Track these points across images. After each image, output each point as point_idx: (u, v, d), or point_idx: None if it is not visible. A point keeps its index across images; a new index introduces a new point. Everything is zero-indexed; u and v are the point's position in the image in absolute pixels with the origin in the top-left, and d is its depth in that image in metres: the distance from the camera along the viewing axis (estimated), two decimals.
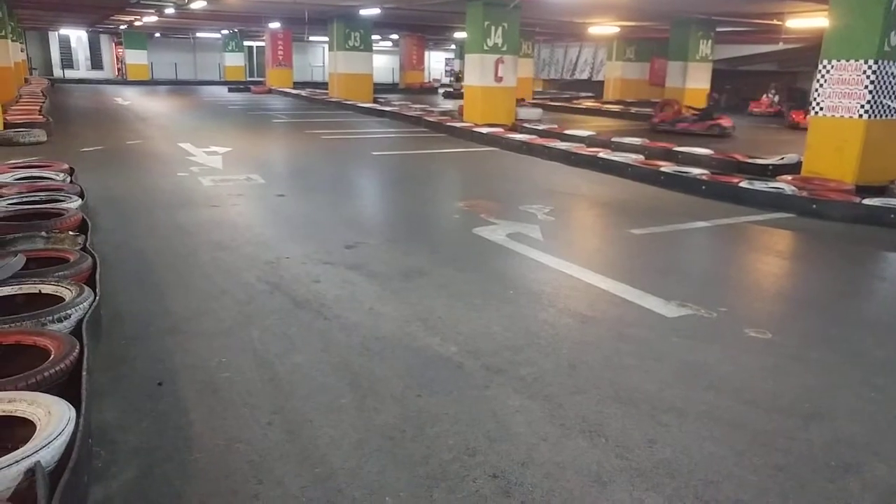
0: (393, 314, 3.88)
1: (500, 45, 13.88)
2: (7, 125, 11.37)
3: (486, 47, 13.78)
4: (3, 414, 2.38)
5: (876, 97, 7.29)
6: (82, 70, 37.18)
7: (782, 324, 3.92)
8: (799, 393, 3.03)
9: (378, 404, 2.86)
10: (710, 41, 17.37)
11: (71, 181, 6.75)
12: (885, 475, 2.43)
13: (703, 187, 7.61)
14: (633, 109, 19.44)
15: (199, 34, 32.97)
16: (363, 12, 17.88)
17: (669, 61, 17.98)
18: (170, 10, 18.21)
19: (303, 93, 23.86)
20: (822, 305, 4.37)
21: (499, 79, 14.08)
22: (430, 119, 14.83)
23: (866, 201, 6.59)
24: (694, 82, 17.33)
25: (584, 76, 31.23)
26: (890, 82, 7.33)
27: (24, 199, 5.79)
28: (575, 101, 23.52)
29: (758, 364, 3.33)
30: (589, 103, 22.51)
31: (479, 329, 3.69)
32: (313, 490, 2.28)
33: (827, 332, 3.85)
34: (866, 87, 7.29)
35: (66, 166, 7.37)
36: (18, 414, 2.39)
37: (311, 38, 32.16)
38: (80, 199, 5.87)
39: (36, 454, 2.10)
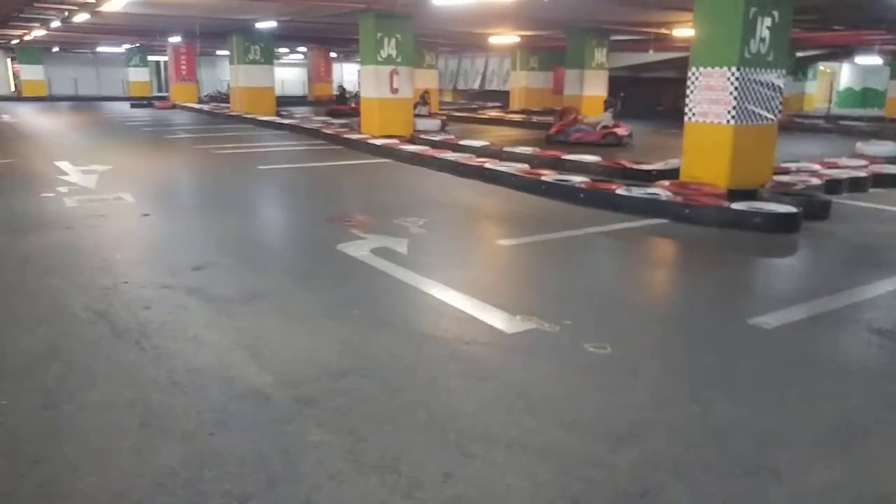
0: (217, 342, 3.62)
1: (394, 56, 13.74)
2: None
3: (379, 59, 13.61)
4: None
5: (741, 103, 7.49)
6: None
7: (626, 336, 3.83)
8: (621, 412, 2.93)
9: (162, 445, 2.60)
10: (605, 49, 17.76)
11: None
12: (681, 498, 2.33)
13: (582, 195, 7.63)
14: (535, 119, 19.69)
15: (99, 49, 31.50)
16: (260, 25, 17.44)
17: (567, 69, 18.28)
18: (56, 24, 17.27)
19: (206, 107, 23.13)
20: (671, 315, 4.35)
21: (394, 90, 13.93)
22: (328, 131, 14.55)
23: (734, 205, 6.72)
24: (591, 89, 17.65)
25: (493, 86, 31.56)
26: (753, 88, 7.55)
27: None
28: (480, 112, 23.67)
29: (588, 381, 3.23)
30: (493, 113, 22.69)
31: (306, 355, 3.47)
32: None
33: (670, 343, 3.81)
34: (731, 93, 7.48)
35: None
36: None
37: (219, 52, 31.27)
38: None
39: None
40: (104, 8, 12.42)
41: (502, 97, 29.32)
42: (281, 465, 2.48)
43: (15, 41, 27.05)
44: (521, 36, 20.68)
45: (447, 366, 3.35)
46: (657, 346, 3.73)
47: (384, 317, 4.03)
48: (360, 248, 5.51)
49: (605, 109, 14.74)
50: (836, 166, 9.54)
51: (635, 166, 9.71)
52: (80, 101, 30.76)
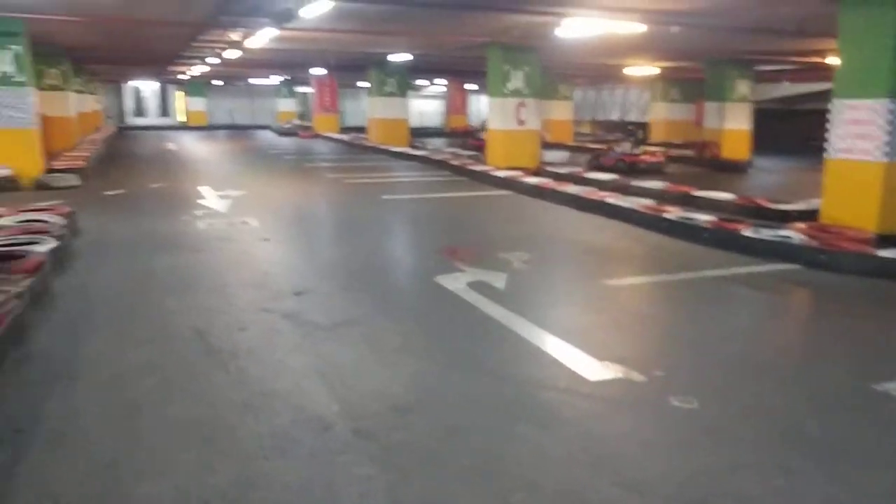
0: (297, 367, 3.69)
1: (521, 88, 13.75)
2: (49, 170, 11.84)
3: (506, 91, 13.67)
4: None
5: (895, 138, 6.74)
6: (152, 117, 39.17)
7: (721, 393, 3.49)
8: (692, 475, 2.65)
9: (219, 464, 2.66)
10: (748, 81, 16.78)
11: (66, 225, 6.90)
12: None
13: (706, 235, 7.17)
14: (674, 153, 18.91)
15: (253, 81, 34.18)
16: (392, 58, 18.11)
17: (706, 102, 17.45)
18: (213, 60, 18.91)
19: (345, 138, 24.25)
20: (781, 373, 3.90)
21: (521, 122, 13.91)
22: (454, 163, 14.74)
23: (881, 253, 6.01)
24: (733, 123, 16.70)
25: (632, 117, 30.76)
26: None
27: (8, 242, 5.93)
28: (614, 144, 23.05)
29: (664, 438, 2.97)
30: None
31: (376, 387, 3.45)
32: None
33: (771, 404, 3.42)
34: (881, 126, 6.76)
35: (67, 210, 7.57)
36: None
37: (360, 84, 32.85)
38: (56, 243, 5.99)
39: None
40: (247, 44, 13.40)
41: (643, 129, 28.52)
42: (322, 495, 2.45)
43: (183, 76, 29.89)
44: (660, 67, 20.05)
45: (515, 410, 3.20)
46: (755, 406, 3.35)
47: (461, 354, 3.95)
48: (457, 281, 5.47)
49: (627, 140, 16.40)
50: None
51: (772, 206, 9.01)
52: (235, 130, 33.37)
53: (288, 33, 11.97)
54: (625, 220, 8.46)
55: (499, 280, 5.52)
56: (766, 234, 6.82)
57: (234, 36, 13.43)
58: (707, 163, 16.42)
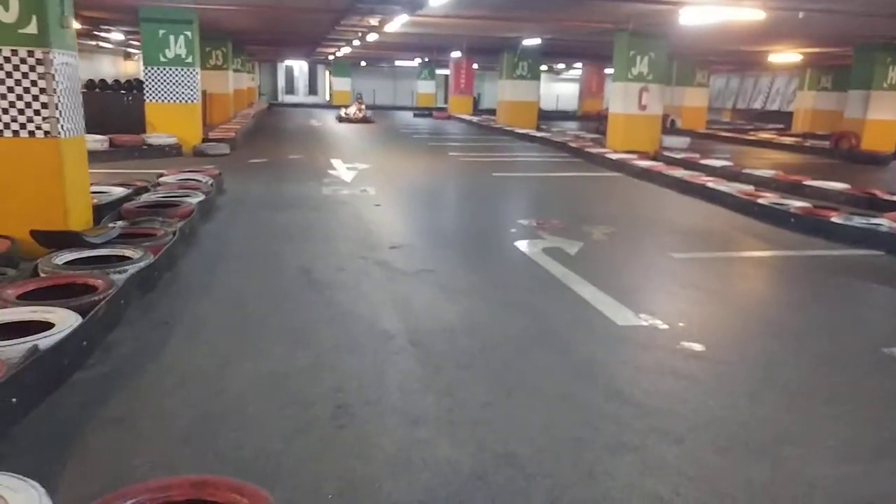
0: (377, 299, 4.52)
1: (645, 73, 13.90)
2: (204, 140, 13.57)
3: (630, 76, 13.88)
4: (35, 319, 3.44)
5: None
6: (301, 95, 42.14)
7: (727, 342, 3.95)
8: (668, 393, 3.20)
9: (302, 355, 3.53)
10: None
11: (211, 183, 8.18)
12: None
13: (793, 220, 7.30)
14: (809, 143, 18.15)
15: (397, 63, 35.80)
16: (526, 42, 18.65)
17: (851, 90, 16.57)
18: (356, 43, 20.34)
19: (475, 119, 25.10)
20: (796, 333, 4.21)
21: (642, 107, 14.07)
22: (573, 144, 15.16)
23: None
24: (878, 113, 15.77)
25: (775, 107, 29.33)
26: None
27: (167, 195, 7.23)
28: (750, 133, 22.31)
29: (656, 367, 3.50)
30: (764, 135, 21.26)
31: (435, 315, 4.21)
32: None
33: (771, 356, 3.81)
34: None
35: (215, 172, 8.90)
36: (47, 318, 3.43)
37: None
38: (204, 196, 7.22)
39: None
40: (386, 28, 14.49)
41: (787, 119, 27.21)
42: (374, 377, 3.25)
43: (330, 57, 31.93)
44: (803, 53, 19.17)
45: (543, 340, 3.86)
46: (758, 357, 3.76)
47: (514, 300, 4.62)
48: (534, 246, 6.10)
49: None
50: None
51: (888, 197, 8.82)
52: (376, 109, 35.11)
53: (421, 19, 12.90)
54: (720, 203, 8.66)
55: (573, 248, 6.09)
56: (857, 221, 6.87)
57: (373, 21, 14.57)
58: (843, 154, 15.71)
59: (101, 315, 3.65)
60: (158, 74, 12.79)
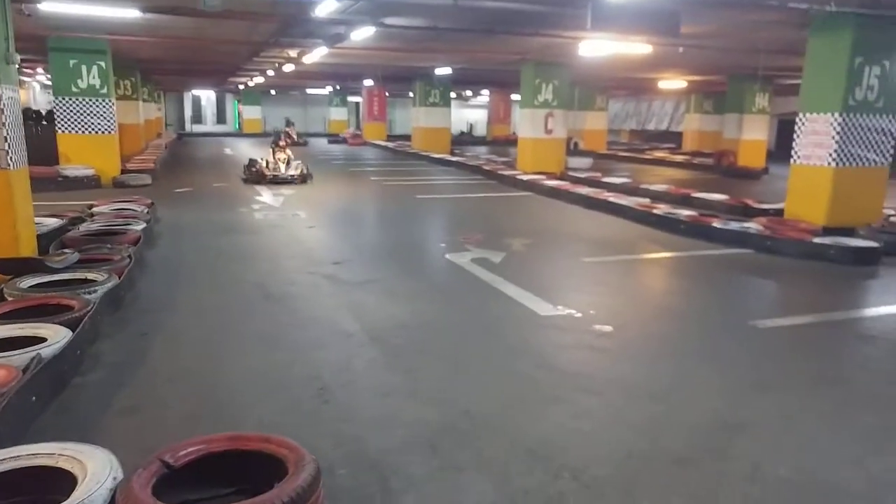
0: (332, 305, 5.12)
1: (550, 100, 15.06)
2: (123, 171, 13.61)
3: (536, 103, 15.01)
4: (25, 335, 3.82)
5: (843, 147, 7.87)
6: (209, 125, 41.63)
7: (633, 324, 4.81)
8: (582, 362, 3.97)
9: (278, 353, 4.08)
10: (767, 94, 17.74)
11: (147, 212, 8.48)
12: None
13: (682, 227, 8.39)
14: (696, 160, 19.94)
15: (308, 91, 36.18)
16: (437, 71, 19.62)
17: (727, 113, 18.45)
18: (270, 73, 20.74)
19: (391, 145, 25.85)
20: (685, 314, 5.15)
21: (549, 131, 15.22)
22: (486, 168, 16.13)
23: (816, 239, 7.18)
24: (751, 133, 17.69)
25: (665, 126, 31.66)
26: (857, 133, 7.89)
27: (108, 223, 7.52)
28: (646, 152, 24.12)
29: (575, 343, 4.28)
30: (658, 154, 23.09)
31: (388, 315, 4.85)
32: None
33: (666, 331, 4.69)
34: (833, 137, 7.88)
35: (148, 202, 9.18)
36: (38, 333, 3.81)
37: (411, 94, 34.50)
38: (145, 224, 7.56)
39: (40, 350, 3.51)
40: (305, 59, 15.05)
41: (677, 139, 29.43)
42: (344, 364, 3.87)
43: (242, 86, 32.03)
44: (688, 81, 21.06)
45: (481, 329, 4.58)
46: (657, 333, 4.63)
47: (452, 300, 5.34)
48: (463, 258, 6.83)
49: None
50: None
51: (757, 205, 10.13)
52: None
53: (339, 50, 13.53)
54: (622, 215, 9.71)
55: (497, 257, 6.86)
56: (733, 225, 8.01)
57: (292, 53, 15.09)
58: (723, 170, 17.43)
59: (87, 328, 4.08)
60: (71, 105, 12.68)
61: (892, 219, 8.45)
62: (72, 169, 12.48)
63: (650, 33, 7.76)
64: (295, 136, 23.74)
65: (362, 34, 10.54)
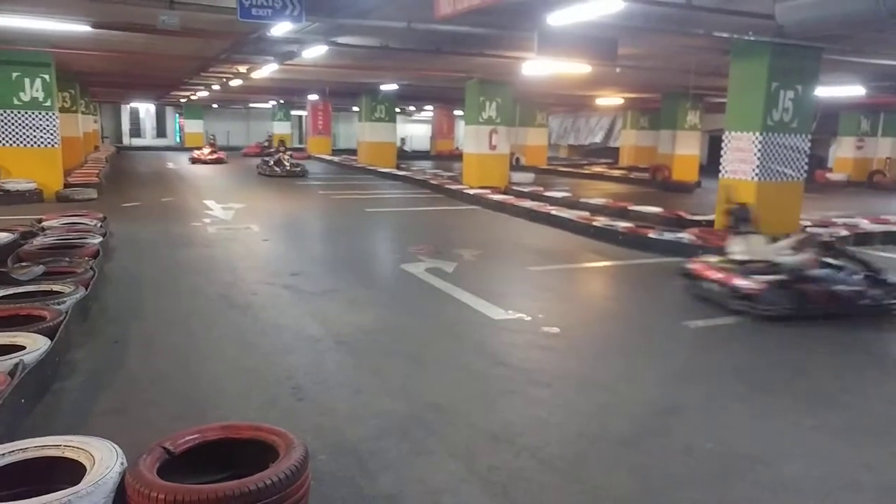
0: (295, 313, 5.38)
1: (494, 117, 15.61)
2: (67, 185, 13.44)
3: (481, 119, 15.52)
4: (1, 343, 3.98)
5: (763, 163, 8.58)
6: (148, 138, 40.85)
7: (578, 326, 5.26)
8: (539, 360, 4.37)
9: (250, 357, 4.34)
10: (698, 111, 18.76)
11: (100, 226, 8.52)
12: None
13: (621, 237, 8.95)
14: (633, 175, 20.83)
15: (252, 105, 36.03)
16: (384, 87, 19.99)
17: (661, 130, 19.40)
18: (216, 87, 20.73)
19: (336, 159, 26.02)
20: (627, 317, 5.64)
21: (493, 147, 15.75)
22: (433, 182, 16.54)
23: None
24: (683, 149, 18.66)
25: (600, 141, 32.78)
26: (775, 150, 8.63)
27: (63, 237, 7.57)
28: (585, 167, 25.01)
29: (527, 344, 4.68)
30: (597, 169, 23.99)
31: (351, 321, 5.15)
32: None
33: (610, 332, 5.14)
34: (755, 154, 8.59)
35: (100, 216, 9.19)
36: (15, 342, 3.97)
37: (355, 109, 34.73)
38: (101, 238, 7.63)
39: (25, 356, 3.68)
40: (253, 75, 15.22)
41: (614, 154, 30.53)
42: (314, 366, 4.15)
43: (183, 100, 31.71)
44: (625, 98, 22.02)
45: (440, 332, 4.95)
46: (601, 333, 5.08)
47: (410, 306, 5.68)
48: (417, 267, 7.18)
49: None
50: (884, 222, 10.18)
51: (689, 217, 10.81)
52: (231, 150, 35.02)
53: (288, 66, 13.75)
54: (563, 227, 10.23)
55: (449, 267, 7.23)
56: (667, 236, 8.60)
57: (241, 68, 15.22)
58: (658, 184, 18.30)
59: (63, 337, 4.25)
60: (12, 118, 12.50)
61: (808, 229, 9.20)
62: (13, 183, 12.30)
63: (590, 57, 8.28)
64: (215, 150, 25.29)
65: (314, 52, 10.83)
